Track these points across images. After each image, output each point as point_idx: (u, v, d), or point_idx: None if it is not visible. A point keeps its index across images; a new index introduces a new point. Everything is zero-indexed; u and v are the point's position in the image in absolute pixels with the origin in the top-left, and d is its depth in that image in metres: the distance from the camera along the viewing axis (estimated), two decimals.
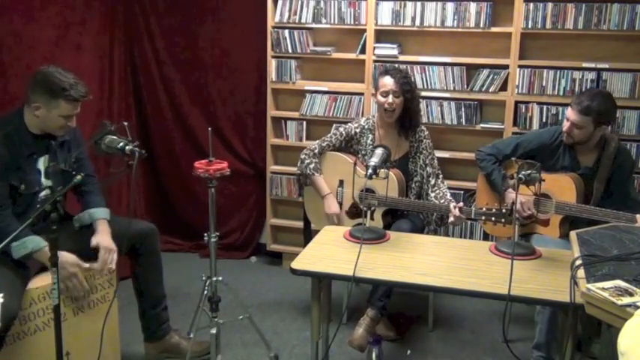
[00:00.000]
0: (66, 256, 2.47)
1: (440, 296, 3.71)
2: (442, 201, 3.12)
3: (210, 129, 2.79)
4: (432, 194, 3.21)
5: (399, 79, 3.15)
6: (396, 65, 3.72)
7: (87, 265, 2.57)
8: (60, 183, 2.57)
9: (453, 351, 3.20)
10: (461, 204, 2.94)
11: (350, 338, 3.04)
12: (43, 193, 2.61)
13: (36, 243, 2.43)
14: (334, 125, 3.90)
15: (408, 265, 2.42)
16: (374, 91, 3.25)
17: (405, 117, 3.23)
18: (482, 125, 3.77)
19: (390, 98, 3.14)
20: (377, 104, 3.24)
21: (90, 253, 2.72)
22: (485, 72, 3.70)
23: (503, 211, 2.64)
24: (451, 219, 2.93)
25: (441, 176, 3.31)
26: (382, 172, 2.67)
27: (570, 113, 2.91)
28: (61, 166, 2.41)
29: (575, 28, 3.50)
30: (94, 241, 2.63)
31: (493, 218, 2.67)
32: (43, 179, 2.61)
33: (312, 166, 3.26)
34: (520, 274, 2.28)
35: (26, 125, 2.54)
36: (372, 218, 3.11)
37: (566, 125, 2.95)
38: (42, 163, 2.61)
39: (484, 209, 2.72)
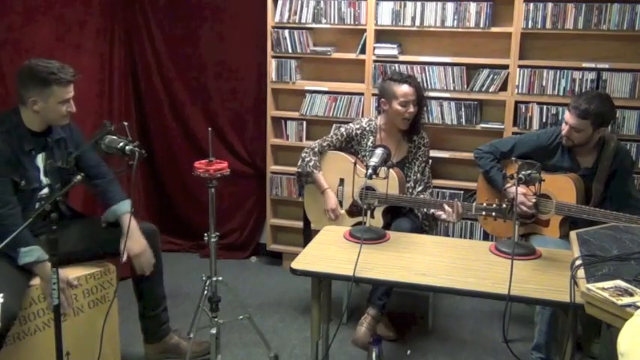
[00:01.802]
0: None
1: (440, 296, 3.71)
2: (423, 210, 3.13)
3: (210, 129, 2.79)
4: None
5: (416, 85, 3.16)
6: (395, 67, 3.73)
7: (76, 282, 2.58)
8: (58, 181, 2.58)
9: (453, 351, 3.20)
10: (462, 203, 2.92)
11: (353, 338, 3.04)
12: (43, 191, 2.62)
13: (41, 254, 2.44)
14: (334, 125, 3.90)
15: (408, 265, 2.42)
16: (384, 99, 3.20)
17: (414, 120, 3.22)
18: (482, 125, 3.77)
19: (411, 108, 3.13)
20: (390, 112, 3.19)
21: (98, 252, 2.74)
22: (485, 72, 3.70)
23: (504, 206, 2.64)
24: (443, 216, 2.91)
25: (428, 186, 3.30)
26: (382, 171, 2.68)
27: (568, 117, 2.91)
28: (58, 164, 2.41)
29: (575, 28, 3.50)
30: (124, 254, 2.60)
31: (493, 214, 2.66)
32: (42, 177, 2.62)
33: (312, 163, 3.27)
34: (520, 274, 2.28)
35: (24, 122, 2.55)
36: (372, 216, 3.11)
37: (565, 129, 2.95)
38: (40, 160, 2.62)
39: (484, 205, 2.71)
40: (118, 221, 2.71)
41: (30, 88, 2.48)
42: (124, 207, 2.73)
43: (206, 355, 2.96)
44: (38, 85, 2.47)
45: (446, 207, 2.89)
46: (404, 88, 3.14)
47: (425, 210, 3.18)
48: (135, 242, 2.67)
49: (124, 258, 2.62)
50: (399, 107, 3.13)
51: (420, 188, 3.26)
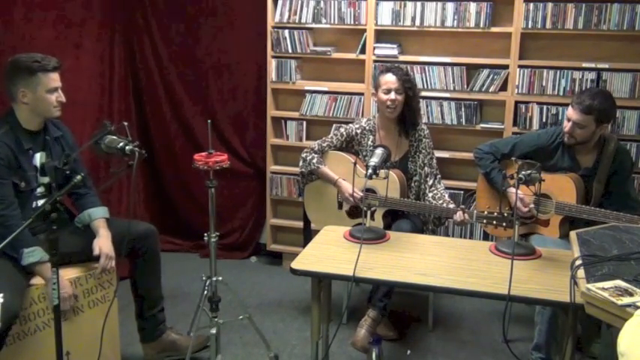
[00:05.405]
0: (62, 279, 2.48)
1: (440, 296, 3.71)
2: (440, 202, 3.12)
3: (209, 121, 2.81)
4: (430, 194, 3.21)
5: (401, 76, 3.16)
6: (396, 64, 3.73)
7: (78, 293, 2.61)
8: (54, 180, 2.58)
9: (453, 351, 3.20)
10: (467, 210, 2.92)
11: (353, 340, 3.04)
12: (38, 190, 2.62)
13: (43, 254, 2.45)
14: (334, 125, 3.90)
15: (408, 265, 2.42)
16: (374, 90, 3.25)
17: (406, 115, 3.23)
18: (482, 125, 3.77)
19: (393, 95, 3.14)
20: (378, 102, 3.23)
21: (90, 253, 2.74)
22: (486, 72, 3.70)
23: (505, 214, 2.64)
24: (458, 220, 2.92)
25: (438, 177, 3.31)
26: (382, 172, 2.67)
27: (571, 113, 2.90)
28: (55, 164, 2.42)
29: (575, 28, 3.50)
30: (96, 247, 2.65)
31: (494, 222, 2.67)
32: (38, 176, 2.62)
33: (315, 160, 3.26)
34: (520, 274, 2.27)
35: (20, 122, 2.55)
36: (372, 219, 3.11)
37: (567, 125, 2.94)
38: (38, 159, 2.62)
39: (485, 212, 2.72)
40: (91, 225, 2.73)
41: (17, 81, 2.50)
42: (101, 212, 2.77)
43: (204, 349, 2.98)
44: (24, 76, 2.49)
45: (458, 217, 2.90)
46: (386, 77, 3.18)
47: (431, 215, 3.20)
48: (108, 244, 2.68)
49: (96, 251, 2.64)
50: (382, 95, 3.17)
51: (430, 181, 3.25)
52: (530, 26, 3.56)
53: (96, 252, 2.64)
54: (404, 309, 3.63)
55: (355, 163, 2.83)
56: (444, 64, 3.76)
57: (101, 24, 3.90)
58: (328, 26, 3.92)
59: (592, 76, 3.54)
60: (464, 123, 3.77)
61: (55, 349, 2.20)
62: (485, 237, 3.73)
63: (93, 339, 2.57)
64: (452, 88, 3.77)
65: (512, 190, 2.87)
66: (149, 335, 2.97)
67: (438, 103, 3.79)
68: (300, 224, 3.59)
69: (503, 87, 3.69)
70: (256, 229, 4.45)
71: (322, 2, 3.86)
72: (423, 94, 3.71)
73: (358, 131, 3.30)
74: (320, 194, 3.34)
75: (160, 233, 2.99)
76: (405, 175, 3.24)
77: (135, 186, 4.22)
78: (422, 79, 3.78)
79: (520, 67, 3.63)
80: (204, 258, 4.31)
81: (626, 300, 1.68)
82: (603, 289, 1.75)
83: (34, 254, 2.44)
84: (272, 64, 4.02)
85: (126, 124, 2.37)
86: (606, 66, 3.52)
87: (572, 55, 3.64)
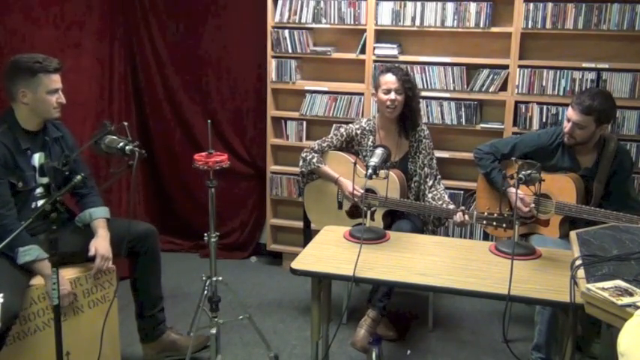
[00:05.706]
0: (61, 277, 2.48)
1: (440, 296, 3.71)
2: (440, 202, 3.12)
3: (209, 121, 2.81)
4: (430, 195, 3.21)
5: (401, 77, 3.17)
6: (396, 64, 3.73)
7: (77, 293, 2.61)
8: (53, 181, 2.58)
9: (453, 351, 3.20)
10: (467, 210, 2.92)
11: (352, 340, 3.04)
12: (38, 191, 2.62)
13: (40, 252, 2.45)
14: (334, 126, 3.90)
15: (408, 265, 2.42)
16: (374, 90, 3.25)
17: (406, 115, 3.23)
18: (482, 125, 3.77)
19: (392, 95, 3.14)
20: (378, 102, 3.23)
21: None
22: (486, 72, 3.70)
23: (505, 215, 2.64)
24: (458, 221, 2.92)
25: (438, 177, 3.31)
26: (382, 172, 2.68)
27: (571, 113, 2.90)
28: (54, 164, 2.42)
29: (575, 28, 3.50)
30: (92, 248, 2.64)
31: (494, 223, 2.67)
32: (37, 176, 2.62)
33: (315, 160, 3.27)
34: (520, 274, 2.28)
35: (19, 122, 2.55)
36: (372, 219, 3.11)
37: (567, 126, 2.94)
38: (37, 160, 2.62)
39: (485, 214, 2.71)
40: (90, 224, 2.72)
41: (17, 81, 2.50)
42: (102, 212, 2.76)
43: (204, 349, 2.98)
44: (25, 76, 2.49)
45: (458, 218, 2.90)
46: (386, 77, 3.18)
47: (431, 216, 3.20)
48: (105, 245, 2.66)
49: (92, 252, 2.63)
50: (382, 95, 3.17)
51: (430, 182, 3.25)
52: (530, 26, 3.56)
53: (91, 252, 2.63)
54: (404, 309, 3.63)
55: (355, 163, 2.83)
56: (444, 64, 3.76)
57: (101, 24, 3.90)
58: (328, 26, 3.92)
59: (592, 76, 3.54)
60: (464, 123, 3.77)
61: (55, 349, 2.21)
62: (485, 237, 3.73)
63: (93, 339, 2.57)
64: (452, 88, 3.77)
65: (513, 190, 2.87)
66: (149, 335, 2.97)
67: (438, 103, 3.79)
68: (300, 224, 3.59)
69: (504, 87, 3.69)
70: (256, 229, 4.45)
71: (322, 2, 3.86)
72: (423, 94, 3.71)
73: (358, 131, 3.30)
74: (320, 194, 3.34)
75: (160, 233, 2.99)
76: (404, 176, 3.24)
77: (135, 186, 4.22)
78: (422, 79, 3.78)
79: (520, 67, 3.63)
80: (204, 258, 4.31)
81: (626, 300, 1.68)
82: (603, 289, 1.75)
83: (30, 253, 2.43)
84: (272, 64, 4.02)
85: (126, 124, 2.37)
86: (606, 66, 3.52)
87: (572, 55, 3.64)
